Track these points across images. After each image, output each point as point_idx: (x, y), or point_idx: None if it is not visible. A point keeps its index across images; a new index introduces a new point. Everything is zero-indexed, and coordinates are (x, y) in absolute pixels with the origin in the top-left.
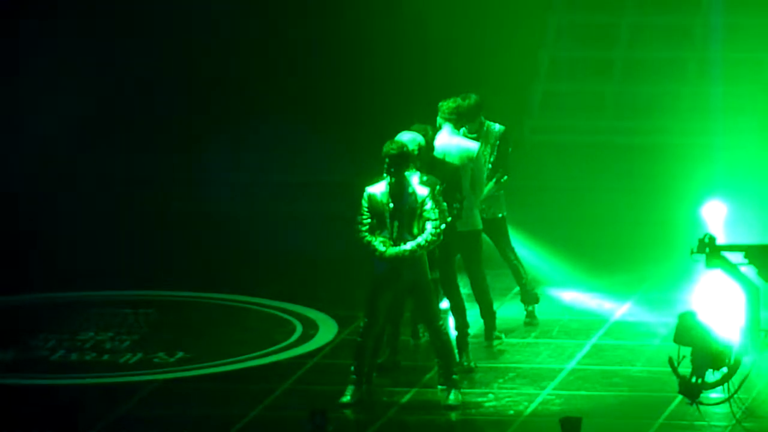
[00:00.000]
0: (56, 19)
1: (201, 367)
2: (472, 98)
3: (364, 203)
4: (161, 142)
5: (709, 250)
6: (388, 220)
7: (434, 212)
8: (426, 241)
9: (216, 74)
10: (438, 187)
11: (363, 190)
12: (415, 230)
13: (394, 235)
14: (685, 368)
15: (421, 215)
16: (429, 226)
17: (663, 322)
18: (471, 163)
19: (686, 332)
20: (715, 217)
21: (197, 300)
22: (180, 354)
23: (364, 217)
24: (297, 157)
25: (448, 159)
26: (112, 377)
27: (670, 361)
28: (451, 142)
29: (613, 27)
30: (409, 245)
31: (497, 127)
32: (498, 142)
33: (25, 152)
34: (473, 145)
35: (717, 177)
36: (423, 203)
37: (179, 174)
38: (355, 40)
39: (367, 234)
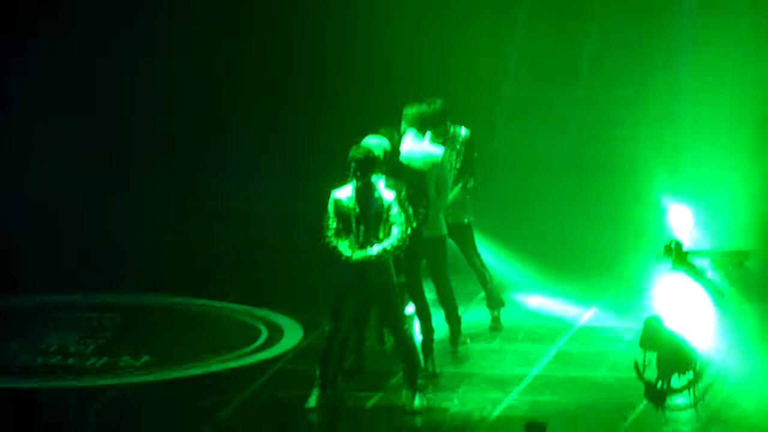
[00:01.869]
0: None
1: (166, 371)
2: (438, 103)
3: (330, 207)
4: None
5: (676, 255)
6: (354, 225)
7: (400, 217)
8: (392, 245)
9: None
10: (403, 192)
11: (329, 194)
12: (381, 235)
13: (360, 239)
14: (651, 373)
15: (387, 220)
16: (395, 231)
17: (628, 327)
18: (436, 168)
19: (652, 337)
20: (680, 223)
21: (162, 304)
22: (145, 358)
23: (330, 221)
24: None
25: (412, 164)
26: (78, 381)
27: (636, 366)
28: (415, 147)
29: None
30: (375, 249)
31: (463, 131)
32: (464, 147)
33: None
34: (437, 150)
35: (683, 183)
36: (389, 208)
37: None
38: (318, 54)
39: (333, 238)
